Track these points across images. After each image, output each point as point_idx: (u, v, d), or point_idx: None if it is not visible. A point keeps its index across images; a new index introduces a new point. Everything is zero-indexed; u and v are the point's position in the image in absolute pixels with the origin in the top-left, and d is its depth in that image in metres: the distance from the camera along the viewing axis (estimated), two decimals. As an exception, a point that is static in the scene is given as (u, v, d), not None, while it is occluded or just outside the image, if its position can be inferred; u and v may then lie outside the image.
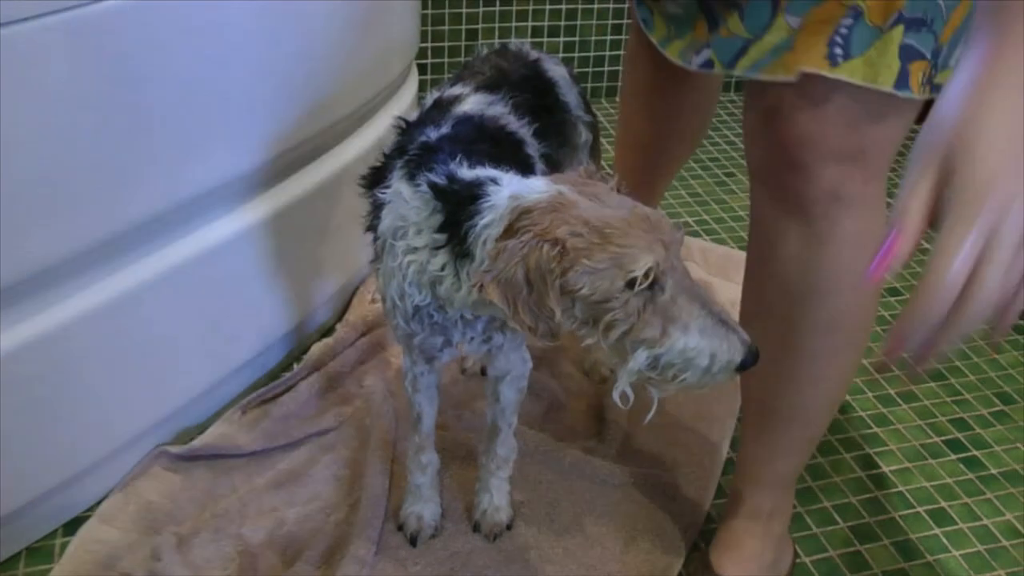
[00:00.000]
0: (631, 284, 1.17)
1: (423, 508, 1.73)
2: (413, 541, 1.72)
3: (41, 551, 1.74)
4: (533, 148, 1.50)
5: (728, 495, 1.75)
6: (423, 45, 3.17)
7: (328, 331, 2.27)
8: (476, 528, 1.75)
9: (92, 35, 1.46)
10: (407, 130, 1.47)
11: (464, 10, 3.23)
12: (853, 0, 1.23)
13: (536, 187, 1.25)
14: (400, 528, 1.74)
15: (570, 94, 1.72)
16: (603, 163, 2.05)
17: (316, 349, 2.17)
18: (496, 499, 1.74)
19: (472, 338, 1.46)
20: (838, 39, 1.24)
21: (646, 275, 1.17)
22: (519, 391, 1.64)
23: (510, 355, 1.56)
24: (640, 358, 1.21)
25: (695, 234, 2.71)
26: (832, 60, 1.24)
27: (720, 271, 2.52)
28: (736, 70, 1.36)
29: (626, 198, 1.25)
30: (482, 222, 1.24)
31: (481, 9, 3.24)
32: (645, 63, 1.88)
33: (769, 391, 1.54)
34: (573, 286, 1.20)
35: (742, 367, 1.21)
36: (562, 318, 1.22)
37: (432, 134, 1.39)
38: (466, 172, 1.30)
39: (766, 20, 1.31)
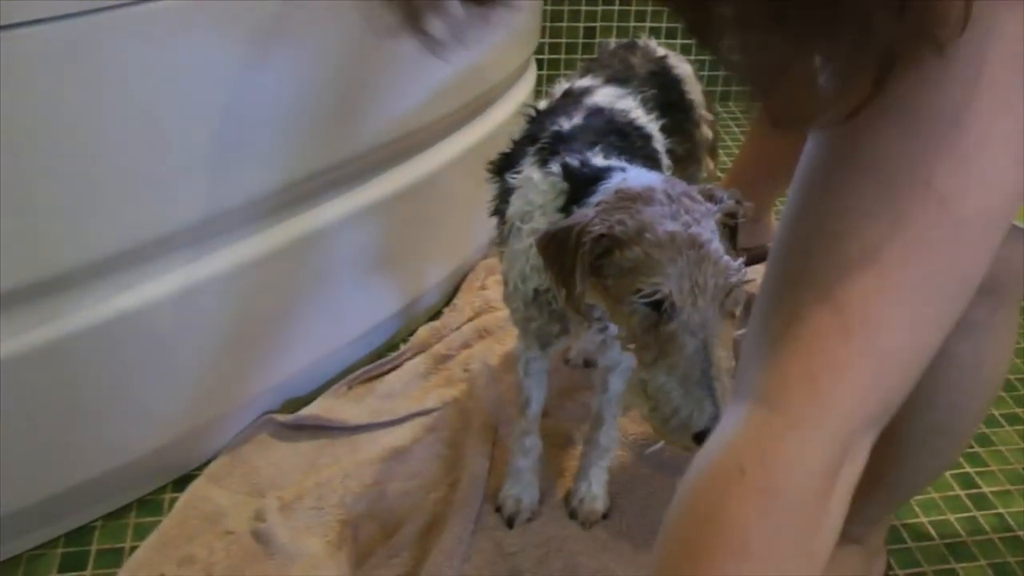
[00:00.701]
0: (637, 292, 1.19)
1: (522, 491, 1.76)
2: (510, 523, 1.75)
3: (151, 504, 1.80)
4: (660, 143, 1.52)
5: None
6: (541, 40, 3.19)
7: (435, 314, 2.30)
8: (572, 515, 1.77)
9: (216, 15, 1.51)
10: (537, 118, 1.49)
11: (583, 8, 3.25)
12: None
13: (644, 178, 1.27)
14: (498, 509, 1.77)
15: (695, 92, 1.74)
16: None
17: (423, 331, 2.21)
18: (594, 487, 1.76)
19: (588, 326, 1.48)
20: None
21: (651, 293, 1.18)
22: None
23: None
24: (646, 377, 1.22)
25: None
26: None
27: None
28: None
29: (703, 226, 1.23)
30: (592, 201, 1.27)
31: (600, 8, 3.26)
32: None
33: (874, 467, 1.53)
34: (603, 272, 1.23)
35: (699, 438, 1.16)
36: (585, 295, 1.25)
37: (564, 124, 1.42)
38: (599, 160, 1.33)
39: None
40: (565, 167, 1.34)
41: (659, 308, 1.18)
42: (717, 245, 1.21)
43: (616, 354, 1.59)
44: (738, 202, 1.30)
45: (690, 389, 1.17)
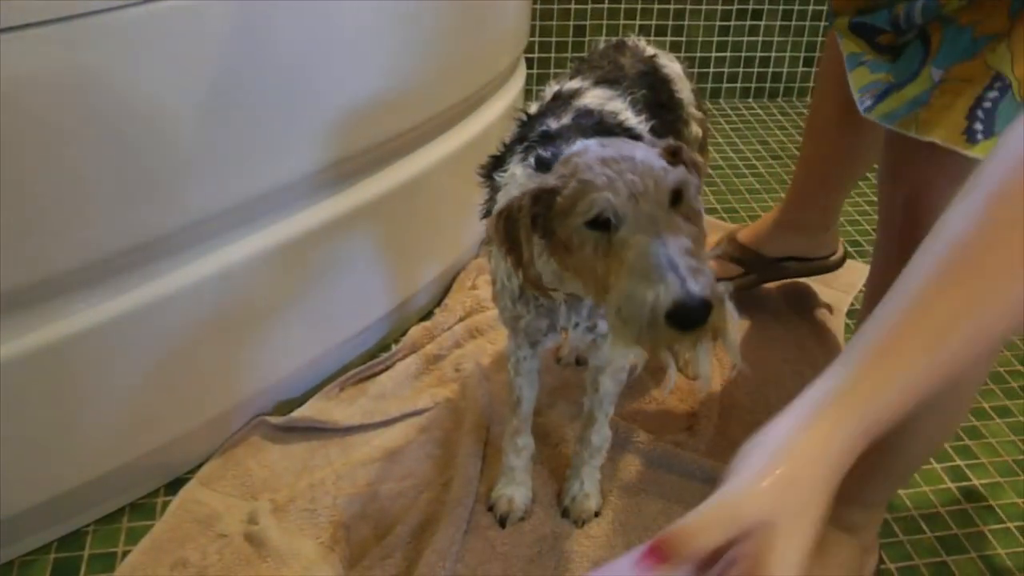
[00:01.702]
0: (579, 217, 1.19)
1: (515, 491, 1.76)
2: (503, 522, 1.75)
3: (144, 508, 1.80)
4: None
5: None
6: (531, 40, 3.19)
7: (427, 315, 2.30)
8: (565, 514, 1.77)
9: (194, 22, 1.52)
10: (528, 122, 1.50)
11: (573, 6, 3.25)
12: (998, 65, 1.19)
13: (585, 142, 1.29)
14: (490, 509, 1.77)
15: (684, 91, 1.74)
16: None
17: (414, 331, 2.21)
18: (587, 486, 1.76)
19: (577, 324, 1.48)
20: (980, 113, 1.19)
21: (590, 209, 1.18)
22: (618, 382, 1.66)
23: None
24: (612, 301, 1.17)
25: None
26: (971, 137, 1.20)
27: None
28: (873, 115, 1.34)
29: (638, 147, 1.24)
30: None
31: (590, 6, 3.26)
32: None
33: (873, 445, 1.52)
34: (552, 227, 1.24)
35: (672, 316, 1.10)
36: (534, 260, 1.26)
37: (553, 124, 1.42)
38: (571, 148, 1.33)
39: (915, 69, 1.29)
40: (538, 158, 1.35)
41: (606, 226, 1.18)
42: (652, 158, 1.20)
43: (607, 353, 1.59)
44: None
45: (650, 276, 1.12)
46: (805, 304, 2.39)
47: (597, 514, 1.78)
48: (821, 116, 2.09)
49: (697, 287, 1.10)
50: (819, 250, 2.30)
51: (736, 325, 1.17)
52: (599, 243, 1.19)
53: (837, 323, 2.33)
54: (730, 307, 1.15)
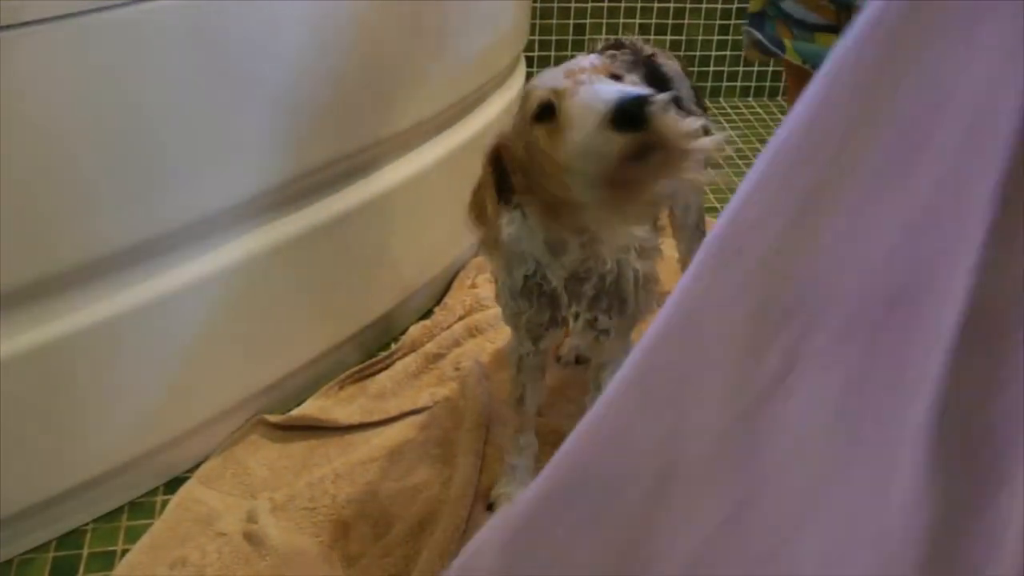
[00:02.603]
0: (529, 119, 1.24)
1: (515, 490, 1.75)
2: (502, 522, 1.74)
3: (143, 506, 1.80)
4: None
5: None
6: (531, 37, 3.19)
7: (426, 314, 2.30)
8: (565, 513, 1.76)
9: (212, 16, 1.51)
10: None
11: (573, 5, 3.25)
12: None
13: None
14: (490, 508, 1.76)
15: (683, 89, 1.74)
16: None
17: (414, 330, 2.21)
18: (588, 485, 1.75)
19: (578, 314, 1.48)
20: None
21: (534, 103, 1.23)
22: (620, 381, 1.66)
23: (615, 343, 1.57)
24: (568, 161, 1.20)
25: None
26: None
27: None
28: None
29: None
30: None
31: (590, 5, 3.26)
32: None
33: None
34: (517, 162, 1.29)
35: (615, 116, 1.13)
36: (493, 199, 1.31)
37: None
38: None
39: None
40: None
41: (551, 112, 1.21)
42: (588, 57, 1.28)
43: (610, 351, 1.59)
44: None
45: (592, 105, 1.16)
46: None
47: (597, 513, 1.77)
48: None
49: (634, 90, 1.15)
50: None
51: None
52: (550, 132, 1.22)
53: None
54: (674, 114, 1.18)
